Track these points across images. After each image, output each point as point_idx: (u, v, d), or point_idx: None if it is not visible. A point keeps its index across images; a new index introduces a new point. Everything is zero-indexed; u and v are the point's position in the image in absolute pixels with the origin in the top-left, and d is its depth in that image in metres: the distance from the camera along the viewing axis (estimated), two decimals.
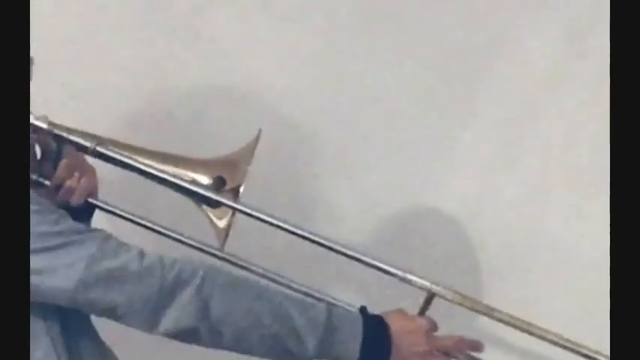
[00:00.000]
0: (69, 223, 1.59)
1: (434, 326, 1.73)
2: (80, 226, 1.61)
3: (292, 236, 1.76)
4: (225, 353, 1.63)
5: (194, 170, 1.74)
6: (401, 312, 1.73)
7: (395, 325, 1.67)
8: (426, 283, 1.74)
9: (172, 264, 1.57)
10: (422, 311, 1.75)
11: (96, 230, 1.62)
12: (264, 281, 1.70)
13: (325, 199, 2.23)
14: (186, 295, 1.55)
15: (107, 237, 1.59)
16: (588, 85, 2.25)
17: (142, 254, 1.58)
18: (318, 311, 1.62)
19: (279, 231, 1.76)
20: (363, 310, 1.69)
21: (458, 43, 2.29)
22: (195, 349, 1.66)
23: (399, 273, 1.74)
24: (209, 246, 1.79)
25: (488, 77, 2.29)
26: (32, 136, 1.70)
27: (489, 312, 1.77)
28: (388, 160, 2.32)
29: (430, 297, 1.75)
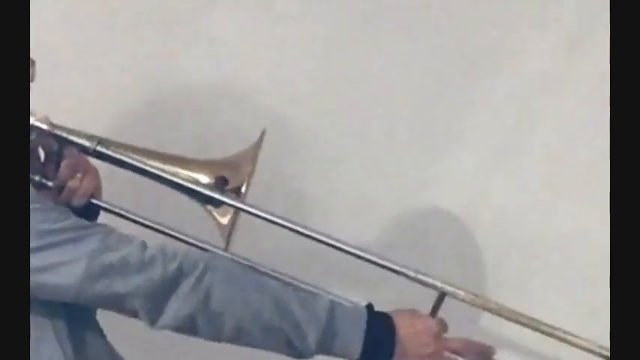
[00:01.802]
0: (70, 220, 1.60)
1: (444, 327, 1.72)
2: (82, 221, 1.62)
3: (295, 235, 1.75)
4: (225, 352, 1.62)
5: (196, 170, 1.74)
6: (412, 312, 1.71)
7: (403, 324, 1.66)
8: (438, 283, 1.72)
9: (174, 255, 1.58)
10: (433, 311, 1.73)
11: (98, 225, 1.64)
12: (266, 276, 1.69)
13: (323, 200, 2.22)
14: (187, 286, 1.56)
15: (109, 231, 1.60)
16: (588, 86, 2.24)
17: (144, 246, 1.59)
18: (320, 305, 1.61)
19: (281, 230, 1.75)
20: (369, 307, 1.67)
21: (458, 43, 2.29)
22: (197, 348, 1.68)
23: (411, 273, 1.72)
24: (214, 246, 1.77)
25: (488, 77, 2.29)
26: (35, 138, 1.71)
27: (501, 311, 1.74)
28: (388, 161, 2.32)
29: (441, 296, 1.73)
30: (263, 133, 1.77)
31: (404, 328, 1.65)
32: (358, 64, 2.30)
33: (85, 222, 1.62)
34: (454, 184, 2.31)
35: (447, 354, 1.70)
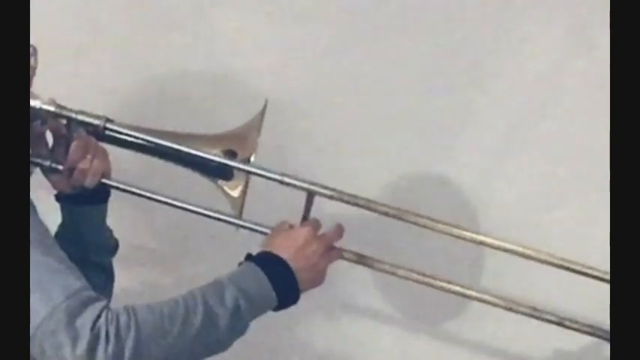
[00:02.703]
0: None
1: (317, 225, 1.77)
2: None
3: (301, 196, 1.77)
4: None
5: (204, 145, 1.76)
6: (283, 231, 1.75)
7: (283, 249, 1.70)
8: (304, 184, 1.74)
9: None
10: (305, 214, 1.77)
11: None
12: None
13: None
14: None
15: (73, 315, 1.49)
16: (589, 84, 2.25)
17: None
18: (228, 294, 1.61)
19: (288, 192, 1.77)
20: (249, 257, 1.70)
21: (459, 42, 2.29)
22: None
23: (277, 177, 1.73)
24: (227, 214, 1.81)
25: (488, 76, 2.30)
26: (44, 123, 1.73)
27: (369, 205, 1.78)
28: (389, 159, 2.34)
29: (310, 197, 1.76)
30: (266, 103, 1.79)
31: (286, 252, 1.69)
32: (359, 62, 2.30)
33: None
34: (454, 182, 2.33)
35: (333, 246, 1.77)
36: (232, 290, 1.61)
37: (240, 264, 1.70)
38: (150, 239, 2.36)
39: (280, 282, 1.67)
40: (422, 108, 2.32)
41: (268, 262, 1.68)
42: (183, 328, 1.54)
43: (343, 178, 2.23)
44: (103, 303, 1.51)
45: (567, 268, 1.79)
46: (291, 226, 1.76)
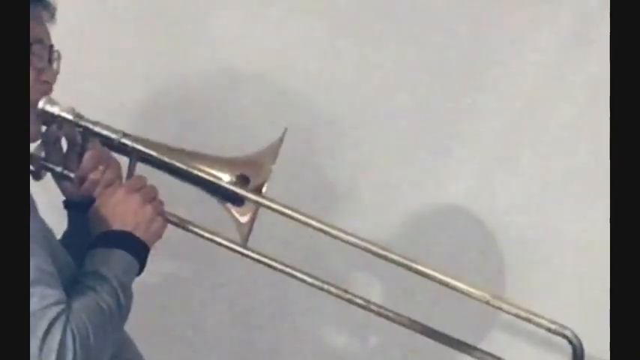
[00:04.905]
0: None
1: (137, 182, 1.73)
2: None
3: (314, 231, 1.75)
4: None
5: (217, 168, 1.74)
6: (111, 194, 1.71)
7: (114, 216, 1.68)
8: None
9: None
10: (129, 174, 1.75)
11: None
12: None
13: (329, 197, 2.26)
14: None
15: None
16: (588, 85, 2.25)
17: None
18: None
19: (300, 227, 1.75)
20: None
21: (459, 43, 2.30)
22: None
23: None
24: (231, 241, 1.78)
25: (489, 77, 2.30)
26: (59, 129, 1.73)
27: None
28: (390, 160, 2.34)
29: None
30: (284, 132, 1.77)
31: (119, 219, 1.68)
32: (361, 65, 2.32)
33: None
34: (456, 183, 2.34)
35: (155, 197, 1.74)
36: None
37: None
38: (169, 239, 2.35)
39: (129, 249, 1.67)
40: (421, 109, 2.33)
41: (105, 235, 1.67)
42: None
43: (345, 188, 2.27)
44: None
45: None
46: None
